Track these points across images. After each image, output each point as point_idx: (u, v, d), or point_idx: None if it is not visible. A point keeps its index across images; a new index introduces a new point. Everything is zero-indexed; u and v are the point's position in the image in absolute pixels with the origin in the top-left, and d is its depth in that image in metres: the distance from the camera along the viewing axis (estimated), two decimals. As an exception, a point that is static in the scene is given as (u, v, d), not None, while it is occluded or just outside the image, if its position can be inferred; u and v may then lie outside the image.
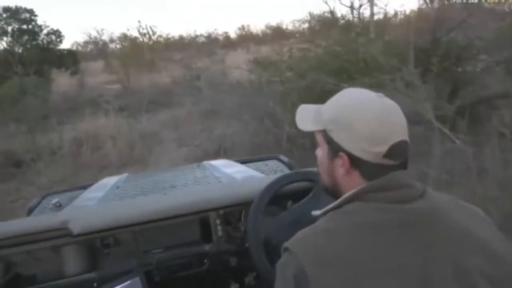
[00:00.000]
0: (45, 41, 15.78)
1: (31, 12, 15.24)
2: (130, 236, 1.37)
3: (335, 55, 5.17)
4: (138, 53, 16.35)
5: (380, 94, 0.82)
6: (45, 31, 15.78)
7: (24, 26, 15.16)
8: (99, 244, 1.37)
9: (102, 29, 23.00)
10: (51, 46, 15.91)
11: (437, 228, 0.72)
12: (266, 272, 1.19)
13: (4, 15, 14.79)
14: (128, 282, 1.25)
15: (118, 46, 19.94)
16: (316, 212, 0.85)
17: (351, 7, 15.49)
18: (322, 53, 5.43)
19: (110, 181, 2.17)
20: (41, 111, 9.53)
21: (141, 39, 17.28)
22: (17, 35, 15.07)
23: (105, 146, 7.43)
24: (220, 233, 1.41)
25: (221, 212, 1.41)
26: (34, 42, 15.36)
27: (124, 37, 18.79)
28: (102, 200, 1.73)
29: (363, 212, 0.74)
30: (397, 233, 0.71)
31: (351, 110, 0.79)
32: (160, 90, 12.96)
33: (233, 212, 1.43)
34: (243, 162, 2.29)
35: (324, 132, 0.84)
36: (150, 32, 17.09)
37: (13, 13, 14.89)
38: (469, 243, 0.72)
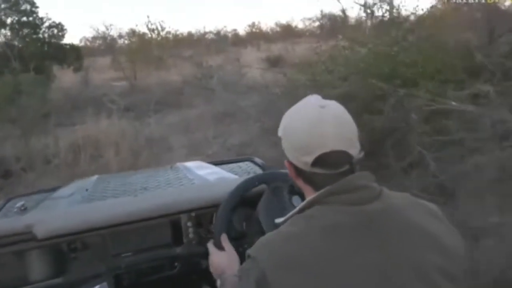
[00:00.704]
0: (46, 35, 15.00)
1: (32, 3, 14.47)
2: (98, 240, 1.34)
3: (387, 56, 4.24)
4: (146, 49, 15.99)
5: (328, 103, 0.80)
6: (46, 24, 15.03)
7: (24, 18, 14.40)
8: (66, 248, 1.32)
9: (111, 25, 22.43)
10: (53, 40, 15.13)
11: (394, 227, 0.74)
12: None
13: (3, 6, 14.02)
14: (96, 287, 1.23)
15: (126, 42, 19.34)
16: (279, 220, 0.88)
17: (364, 5, 14.77)
18: (369, 52, 4.50)
19: (79, 183, 2.15)
20: (39, 112, 8.73)
21: (149, 35, 17.06)
22: (17, 27, 14.32)
23: (106, 154, 6.61)
24: (191, 235, 1.40)
25: (193, 214, 1.39)
26: (34, 36, 14.58)
27: (133, 33, 18.26)
28: (69, 203, 1.72)
29: (322, 215, 0.75)
30: (355, 234, 0.72)
31: (289, 119, 0.84)
32: (168, 89, 12.32)
33: (205, 214, 1.42)
34: (216, 163, 2.31)
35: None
36: (159, 28, 16.84)
37: (13, 4, 14.08)
38: (424, 240, 0.74)
